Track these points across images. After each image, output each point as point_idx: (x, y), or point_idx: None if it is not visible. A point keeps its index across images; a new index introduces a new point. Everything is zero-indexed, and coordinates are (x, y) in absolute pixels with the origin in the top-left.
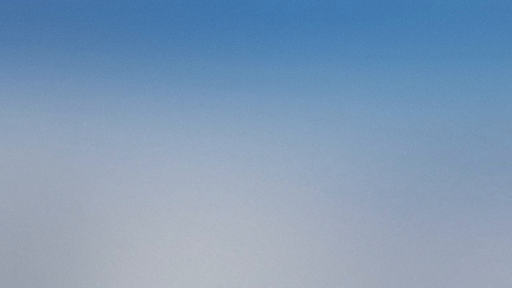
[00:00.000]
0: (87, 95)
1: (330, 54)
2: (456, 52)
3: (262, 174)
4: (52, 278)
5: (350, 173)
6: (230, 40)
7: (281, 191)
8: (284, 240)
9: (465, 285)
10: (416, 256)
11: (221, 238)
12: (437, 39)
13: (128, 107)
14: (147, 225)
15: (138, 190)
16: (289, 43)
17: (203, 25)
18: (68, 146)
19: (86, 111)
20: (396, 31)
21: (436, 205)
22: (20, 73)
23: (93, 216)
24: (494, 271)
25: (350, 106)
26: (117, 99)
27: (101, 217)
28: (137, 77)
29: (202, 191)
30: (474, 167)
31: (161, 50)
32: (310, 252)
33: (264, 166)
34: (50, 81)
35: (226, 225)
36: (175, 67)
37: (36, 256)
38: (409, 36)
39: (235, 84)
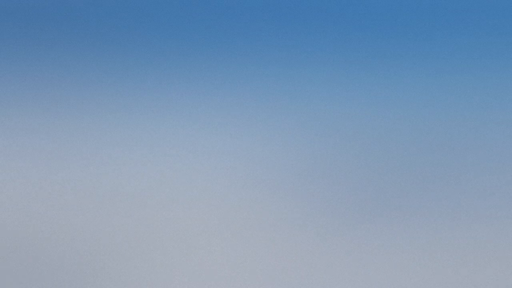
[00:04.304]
0: (87, 95)
1: (330, 54)
2: (456, 52)
3: (262, 173)
4: (52, 278)
5: (350, 173)
6: (230, 40)
7: (280, 190)
8: (284, 240)
9: (465, 284)
10: (416, 256)
11: (221, 238)
12: (437, 39)
13: (128, 107)
14: (147, 225)
15: (138, 189)
16: (289, 43)
17: (203, 25)
18: (68, 146)
19: (86, 111)
20: (396, 31)
21: (436, 204)
22: (20, 73)
23: (93, 215)
24: (494, 271)
25: (350, 106)
26: (117, 99)
27: (101, 216)
28: (137, 77)
29: (202, 190)
30: (473, 166)
31: (161, 50)
32: (311, 251)
33: (264, 165)
34: (50, 81)
35: (226, 224)
36: (175, 67)
37: (36, 256)
38: (409, 36)
39: (235, 84)
